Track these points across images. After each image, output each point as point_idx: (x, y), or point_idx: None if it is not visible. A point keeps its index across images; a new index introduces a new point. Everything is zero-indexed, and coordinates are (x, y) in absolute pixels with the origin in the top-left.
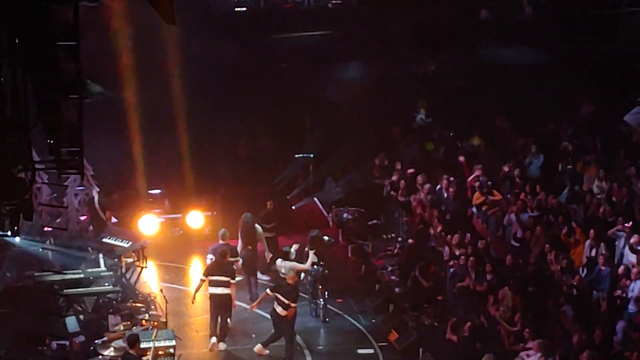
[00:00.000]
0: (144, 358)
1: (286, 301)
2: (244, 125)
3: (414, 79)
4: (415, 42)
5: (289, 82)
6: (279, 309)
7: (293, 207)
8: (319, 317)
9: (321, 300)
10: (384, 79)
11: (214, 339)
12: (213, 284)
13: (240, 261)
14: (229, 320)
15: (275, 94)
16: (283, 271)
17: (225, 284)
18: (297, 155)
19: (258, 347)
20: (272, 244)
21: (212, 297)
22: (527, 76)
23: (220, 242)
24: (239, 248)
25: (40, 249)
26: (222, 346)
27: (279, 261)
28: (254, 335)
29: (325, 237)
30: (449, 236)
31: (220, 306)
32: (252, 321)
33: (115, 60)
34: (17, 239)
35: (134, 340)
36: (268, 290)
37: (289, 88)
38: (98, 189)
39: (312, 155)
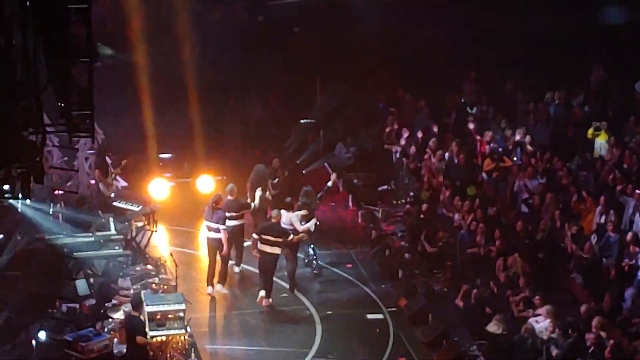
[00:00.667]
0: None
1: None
2: (255, 89)
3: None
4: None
5: (299, 46)
6: (268, 249)
7: (303, 172)
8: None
9: (311, 250)
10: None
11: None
12: (263, 242)
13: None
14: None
15: (286, 58)
16: (284, 219)
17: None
18: (302, 121)
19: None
20: (278, 199)
21: (263, 254)
22: (539, 42)
23: (229, 197)
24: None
25: (50, 212)
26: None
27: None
28: None
29: (319, 194)
30: (459, 202)
31: (268, 263)
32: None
33: (127, 23)
34: (27, 202)
35: (137, 302)
36: (254, 235)
37: (299, 52)
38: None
39: (313, 121)
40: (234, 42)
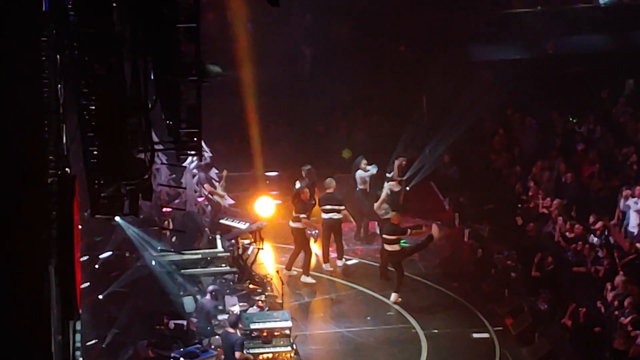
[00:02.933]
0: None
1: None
2: (362, 108)
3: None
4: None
5: (406, 64)
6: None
7: (407, 188)
8: None
9: None
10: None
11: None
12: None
13: None
14: None
15: (393, 76)
16: (382, 212)
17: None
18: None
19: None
20: None
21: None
22: None
23: (328, 191)
24: None
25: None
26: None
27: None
28: (368, 318)
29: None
30: (567, 222)
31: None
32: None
33: (234, 41)
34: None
35: (234, 321)
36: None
37: (406, 70)
38: (217, 171)
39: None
40: (341, 60)
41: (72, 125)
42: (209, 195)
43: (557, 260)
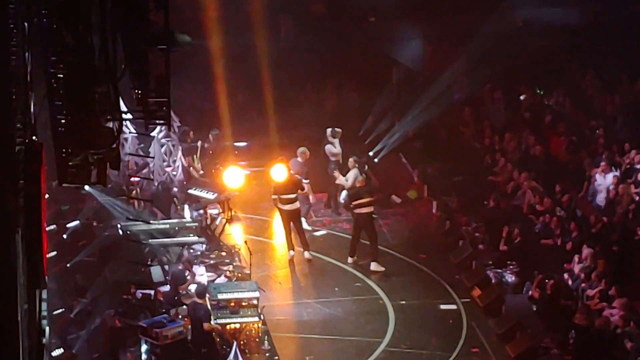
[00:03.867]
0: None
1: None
2: (332, 78)
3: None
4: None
5: (376, 37)
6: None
7: (375, 160)
8: None
9: None
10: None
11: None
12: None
13: None
14: None
15: (363, 47)
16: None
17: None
18: None
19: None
20: None
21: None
22: (613, 33)
23: (299, 159)
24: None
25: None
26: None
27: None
28: (336, 289)
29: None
30: (536, 196)
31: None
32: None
33: (202, 10)
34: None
35: (201, 291)
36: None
37: (376, 42)
38: (200, 141)
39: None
40: (310, 31)
41: (40, 93)
42: (187, 167)
43: (524, 233)
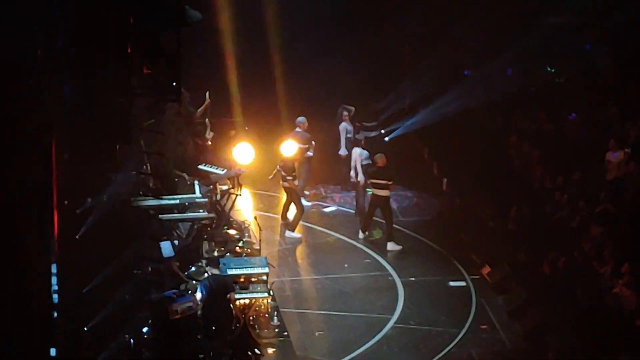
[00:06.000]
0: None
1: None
2: (343, 56)
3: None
4: None
5: (389, 17)
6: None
7: (386, 139)
8: None
9: None
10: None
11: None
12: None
13: None
14: None
15: (377, 25)
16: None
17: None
18: None
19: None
20: None
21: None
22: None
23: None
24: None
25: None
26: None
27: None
28: (346, 265)
29: None
30: (545, 173)
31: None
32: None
33: None
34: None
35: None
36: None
37: (390, 19)
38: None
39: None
40: (323, 8)
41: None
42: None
43: (534, 211)
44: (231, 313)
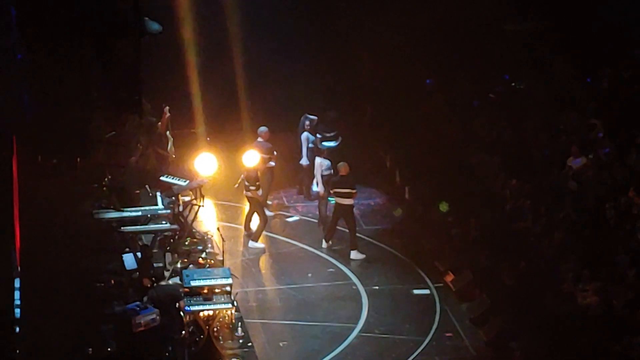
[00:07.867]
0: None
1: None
2: (302, 66)
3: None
4: None
5: (347, 22)
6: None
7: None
8: None
9: None
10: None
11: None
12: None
13: None
14: None
15: (334, 34)
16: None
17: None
18: None
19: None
20: None
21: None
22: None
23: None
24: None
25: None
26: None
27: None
28: (309, 275)
29: None
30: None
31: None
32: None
33: None
34: None
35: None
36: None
37: (346, 28)
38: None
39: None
40: (278, 18)
41: (7, 84)
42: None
43: (495, 218)
44: (182, 321)
